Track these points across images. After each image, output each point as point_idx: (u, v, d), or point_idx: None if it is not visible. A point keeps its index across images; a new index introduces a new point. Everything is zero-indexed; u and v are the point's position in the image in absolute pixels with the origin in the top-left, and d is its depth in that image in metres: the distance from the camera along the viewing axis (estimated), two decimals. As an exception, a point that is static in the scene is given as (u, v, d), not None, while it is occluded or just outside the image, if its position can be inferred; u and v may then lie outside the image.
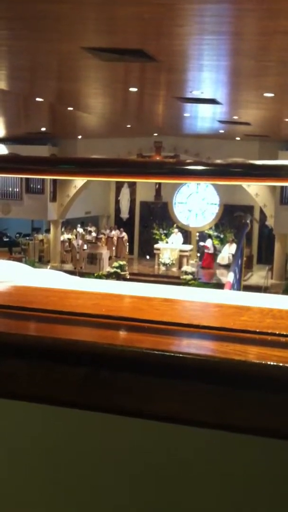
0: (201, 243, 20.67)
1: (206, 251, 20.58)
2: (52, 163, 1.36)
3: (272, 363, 0.87)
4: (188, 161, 1.19)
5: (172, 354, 0.91)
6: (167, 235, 22.11)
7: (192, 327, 1.04)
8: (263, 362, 0.87)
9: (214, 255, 20.97)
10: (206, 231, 22.29)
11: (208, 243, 20.95)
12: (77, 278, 2.08)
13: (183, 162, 1.20)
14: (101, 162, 1.29)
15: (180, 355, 0.91)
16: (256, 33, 6.48)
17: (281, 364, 0.86)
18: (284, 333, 1.00)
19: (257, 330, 1.01)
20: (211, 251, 20.77)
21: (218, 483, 0.94)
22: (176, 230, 21.58)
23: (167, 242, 21.36)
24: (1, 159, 1.55)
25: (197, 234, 21.56)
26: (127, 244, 22.21)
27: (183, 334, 1.02)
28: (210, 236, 21.48)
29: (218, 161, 1.16)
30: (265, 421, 0.88)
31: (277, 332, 1.00)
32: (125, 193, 23.36)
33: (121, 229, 22.27)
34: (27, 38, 7.17)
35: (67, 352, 0.96)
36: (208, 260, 20.47)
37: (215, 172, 1.19)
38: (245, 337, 0.99)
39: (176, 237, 21.21)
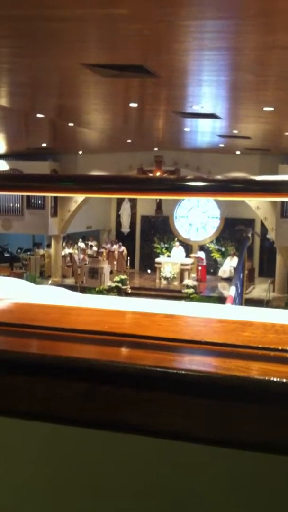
0: (193, 255, 20.57)
1: (200, 263, 20.47)
2: (53, 181, 1.37)
3: (275, 379, 0.86)
4: (188, 177, 1.19)
5: (175, 371, 0.91)
6: (168, 249, 22.12)
7: (195, 343, 1.04)
8: (266, 378, 0.87)
9: (207, 266, 20.91)
10: (207, 245, 22.30)
11: (201, 255, 20.89)
12: (78, 294, 2.08)
13: (183, 178, 1.20)
14: (102, 179, 1.29)
15: (183, 372, 0.91)
16: (255, 48, 6.54)
17: (284, 380, 0.86)
18: (287, 349, 0.99)
19: (260, 346, 1.01)
20: (204, 263, 20.68)
21: (222, 500, 0.93)
22: (177, 243, 21.60)
23: (168, 256, 21.36)
24: (1, 177, 1.56)
25: (198, 247, 21.56)
26: (128, 258, 22.22)
27: (185, 351, 1.02)
28: (202, 248, 21.42)
29: (219, 177, 1.17)
30: (269, 437, 0.87)
31: (280, 348, 1.00)
32: (126, 207, 23.43)
33: (120, 243, 22.30)
34: (28, 55, 7.24)
35: (69, 369, 0.96)
36: (202, 272, 20.35)
37: (215, 188, 1.19)
38: (247, 353, 0.99)
39: (178, 250, 21.22)
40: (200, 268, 20.17)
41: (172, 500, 0.94)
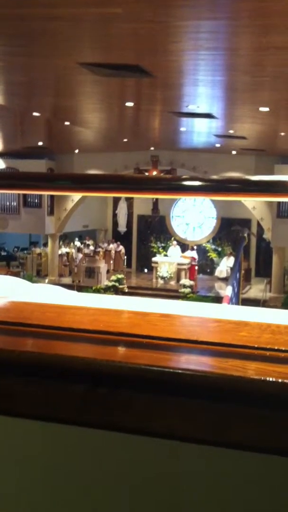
0: (183, 254, 20.46)
1: (193, 263, 20.40)
2: (49, 179, 1.37)
3: (271, 379, 0.87)
4: (184, 177, 1.19)
5: (171, 370, 0.91)
6: (164, 249, 22.12)
7: (191, 343, 1.04)
8: (262, 378, 0.87)
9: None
10: (203, 244, 22.32)
11: (193, 254, 20.84)
12: (75, 293, 2.08)
13: (179, 178, 1.20)
14: (98, 178, 1.29)
15: (179, 371, 0.91)
16: (251, 49, 6.56)
17: (280, 380, 0.86)
18: (283, 349, 1.00)
19: (256, 346, 1.01)
20: (195, 262, 20.64)
21: (217, 500, 0.93)
22: (174, 242, 21.60)
23: (165, 255, 21.36)
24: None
25: (195, 247, 21.58)
26: (125, 257, 22.21)
27: (181, 350, 1.02)
28: (193, 248, 21.37)
29: (215, 177, 1.17)
30: (265, 437, 0.87)
31: (276, 348, 1.00)
32: (122, 207, 23.42)
33: (118, 242, 22.29)
34: (24, 54, 7.23)
35: (65, 368, 0.96)
36: (192, 271, 20.26)
37: (211, 188, 1.19)
38: (244, 352, 0.99)
39: (175, 250, 21.21)
40: (190, 267, 20.16)
41: (170, 500, 0.95)
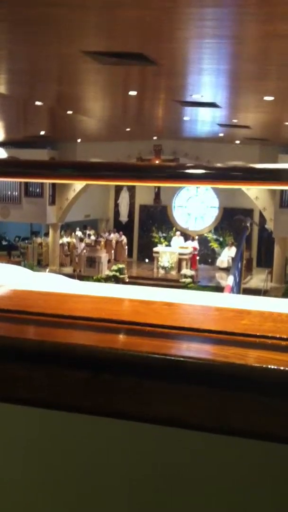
0: (183, 245, 20.47)
1: (194, 253, 20.44)
2: (52, 167, 1.36)
3: (272, 367, 0.87)
4: (188, 165, 1.19)
5: (173, 358, 0.91)
6: (166, 239, 22.10)
7: (193, 331, 1.04)
8: (264, 366, 0.87)
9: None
10: (205, 234, 22.29)
11: (194, 244, 20.83)
12: (76, 281, 2.08)
13: (183, 166, 1.20)
14: (101, 166, 1.29)
15: (181, 359, 0.91)
16: (256, 37, 6.50)
17: (281, 368, 0.86)
18: (285, 337, 1.00)
19: (258, 334, 1.01)
20: (196, 252, 20.63)
21: (219, 487, 0.93)
22: (178, 233, 21.55)
23: (166, 245, 21.33)
24: (0, 163, 1.55)
25: (197, 237, 21.55)
26: (126, 247, 22.20)
27: (183, 338, 1.02)
28: (194, 238, 21.34)
29: (219, 165, 1.16)
30: (266, 425, 0.87)
31: (278, 336, 1.00)
32: (124, 196, 23.37)
33: (120, 232, 22.27)
34: (27, 42, 7.18)
35: (67, 356, 0.96)
36: (193, 261, 20.30)
37: (215, 175, 1.19)
38: (245, 340, 0.99)
39: (178, 240, 21.18)
40: (191, 257, 20.19)
41: (171, 487, 0.95)
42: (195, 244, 20.76)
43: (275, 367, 0.86)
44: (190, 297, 1.69)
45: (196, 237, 21.44)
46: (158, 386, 0.92)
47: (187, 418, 0.91)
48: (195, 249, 20.50)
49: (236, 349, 0.94)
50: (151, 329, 1.04)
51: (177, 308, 1.28)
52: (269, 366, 0.87)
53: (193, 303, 1.36)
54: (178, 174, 1.21)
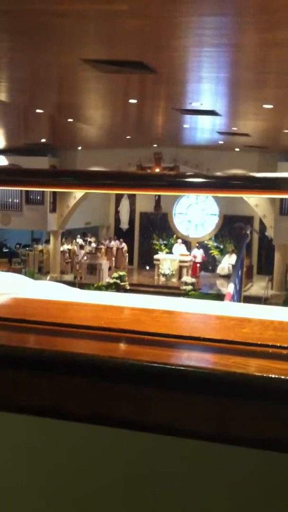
0: (182, 254, 20.56)
1: (194, 260, 20.52)
2: (52, 176, 1.37)
3: (273, 376, 0.86)
4: (187, 173, 1.19)
5: (173, 367, 0.91)
6: (166, 246, 22.11)
7: (193, 340, 1.03)
8: (265, 375, 0.87)
9: (201, 264, 20.92)
10: (206, 242, 22.30)
11: (196, 252, 20.87)
12: (76, 290, 2.08)
13: (182, 174, 1.20)
14: (101, 174, 1.29)
15: (181, 368, 0.91)
16: (255, 45, 6.53)
17: (282, 377, 0.86)
18: (286, 346, 0.99)
19: (258, 343, 1.01)
20: (198, 260, 20.66)
21: (219, 496, 0.93)
22: (179, 240, 21.56)
23: (167, 252, 21.33)
24: (1, 171, 1.55)
25: (197, 244, 21.56)
26: (127, 254, 22.21)
27: (183, 347, 1.02)
28: (199, 247, 21.38)
29: (218, 174, 1.17)
30: (267, 434, 0.87)
31: (279, 345, 1.00)
32: (124, 204, 23.40)
33: (121, 239, 22.28)
34: (28, 50, 7.22)
35: (67, 364, 0.96)
36: (193, 269, 20.37)
37: (215, 184, 1.19)
38: (246, 349, 0.99)
39: (180, 248, 21.18)
40: (192, 264, 20.25)
41: (170, 495, 0.95)
42: (201, 252, 20.78)
43: (276, 376, 0.86)
44: (190, 305, 1.69)
45: (197, 245, 21.45)
46: (158, 395, 0.91)
47: (187, 427, 0.91)
48: (194, 256, 20.56)
49: (237, 358, 0.94)
50: (151, 337, 1.04)
51: (177, 316, 1.27)
52: (270, 375, 0.86)
53: (193, 311, 1.36)
54: (177, 183, 1.21)
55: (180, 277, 19.58)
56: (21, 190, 20.02)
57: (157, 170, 18.91)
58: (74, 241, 22.32)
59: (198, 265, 20.45)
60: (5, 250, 22.62)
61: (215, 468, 0.92)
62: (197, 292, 18.10)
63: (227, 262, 20.54)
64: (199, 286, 19.03)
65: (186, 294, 17.65)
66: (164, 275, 19.79)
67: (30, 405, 0.98)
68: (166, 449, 0.94)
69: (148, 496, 0.96)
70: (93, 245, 21.93)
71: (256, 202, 18.74)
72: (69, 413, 0.96)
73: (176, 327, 1.18)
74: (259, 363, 0.92)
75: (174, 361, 0.94)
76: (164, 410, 0.91)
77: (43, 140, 17.49)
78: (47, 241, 21.94)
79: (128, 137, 16.49)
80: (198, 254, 20.76)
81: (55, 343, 1.04)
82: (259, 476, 0.90)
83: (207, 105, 10.48)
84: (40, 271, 21.04)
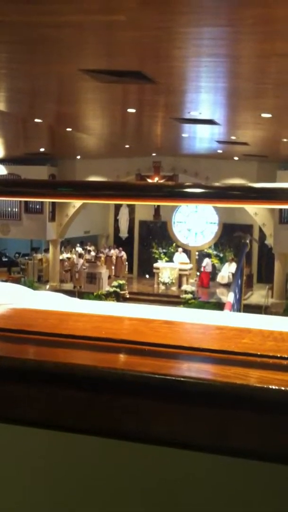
0: (203, 262, 20.69)
1: (205, 270, 20.58)
2: (51, 187, 1.37)
3: (273, 387, 0.86)
4: (186, 184, 1.19)
5: (173, 378, 0.91)
6: (166, 254, 22.11)
7: (193, 350, 1.03)
8: (265, 386, 0.87)
9: (211, 273, 20.98)
10: (205, 250, 22.31)
11: (205, 262, 20.96)
12: (76, 300, 2.08)
13: (181, 185, 1.20)
14: (100, 185, 1.30)
15: (181, 379, 0.90)
16: (253, 56, 6.57)
17: (283, 388, 0.86)
18: (286, 356, 0.99)
19: (259, 353, 1.01)
20: (209, 269, 20.72)
21: (221, 507, 0.92)
22: (180, 249, 21.57)
23: (166, 261, 21.33)
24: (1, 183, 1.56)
25: (197, 253, 21.55)
26: (126, 263, 22.21)
27: (183, 357, 1.02)
28: (209, 255, 21.48)
29: (217, 184, 1.17)
30: (268, 445, 0.87)
31: (279, 355, 1.00)
32: (124, 212, 23.43)
33: (120, 248, 22.29)
34: (27, 61, 7.26)
35: (67, 376, 0.96)
36: (204, 278, 20.42)
37: (213, 195, 1.19)
38: (246, 360, 0.99)
39: (180, 256, 21.18)
40: (201, 275, 20.31)
41: (171, 507, 0.94)
42: (205, 262, 20.86)
43: (277, 387, 0.86)
44: (190, 316, 1.69)
45: (196, 253, 21.46)
46: (158, 406, 0.91)
47: (187, 438, 0.90)
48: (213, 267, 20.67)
49: (237, 368, 0.94)
50: (151, 348, 1.04)
51: (177, 326, 1.27)
52: (271, 386, 0.86)
53: (193, 321, 1.36)
54: (176, 193, 1.22)
55: (180, 285, 19.57)
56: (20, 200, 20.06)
57: (156, 179, 18.97)
58: (73, 250, 22.33)
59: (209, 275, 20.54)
60: (4, 259, 22.62)
61: (215, 479, 0.92)
62: (196, 301, 18.08)
63: (227, 271, 20.54)
64: (198, 295, 19.00)
65: (186, 303, 17.62)
66: (163, 283, 19.77)
67: (30, 417, 0.98)
68: (166, 460, 0.93)
69: (147, 507, 0.96)
70: (93, 253, 21.93)
71: (256, 211, 18.77)
72: (70, 425, 0.96)
73: (176, 338, 1.17)
74: (259, 374, 0.92)
75: (174, 372, 0.93)
76: (164, 421, 0.91)
77: (42, 150, 17.54)
78: (46, 250, 21.95)
79: (127, 146, 16.54)
80: (209, 263, 20.83)
81: (55, 355, 1.03)
82: (260, 487, 0.90)
83: (206, 115, 10.53)
84: (39, 280, 21.02)
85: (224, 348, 1.03)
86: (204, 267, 20.80)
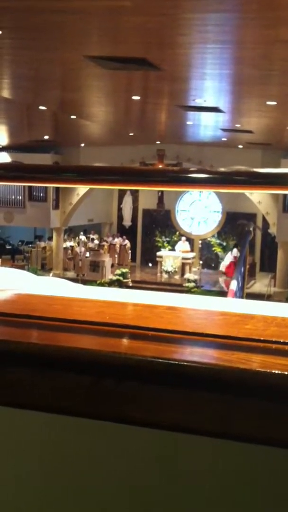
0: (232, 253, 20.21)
1: (234, 259, 20.07)
2: (55, 172, 1.37)
3: (276, 372, 0.87)
4: (191, 169, 1.19)
5: (176, 362, 0.91)
6: (169, 243, 22.09)
7: (196, 335, 1.04)
8: (267, 371, 0.87)
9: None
10: (208, 239, 22.28)
11: (235, 251, 20.62)
12: (80, 285, 2.08)
13: (186, 170, 1.20)
14: (105, 170, 1.29)
15: (184, 363, 0.91)
16: (258, 42, 6.51)
17: (285, 373, 0.86)
18: (288, 342, 0.99)
19: (261, 339, 1.01)
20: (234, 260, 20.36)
21: (224, 492, 0.93)
22: (183, 238, 21.51)
23: (170, 249, 21.30)
24: (4, 167, 1.55)
25: (200, 242, 21.53)
26: (130, 251, 22.21)
27: (187, 342, 1.02)
28: (236, 245, 20.97)
29: (222, 169, 1.17)
30: (269, 430, 0.87)
31: (282, 341, 1.00)
32: (127, 200, 23.39)
33: (124, 236, 22.28)
34: (31, 47, 7.22)
35: (71, 360, 0.96)
36: (232, 268, 20.08)
37: (218, 180, 1.19)
38: (249, 345, 0.99)
39: (184, 245, 21.14)
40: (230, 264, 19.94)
41: (174, 492, 0.95)
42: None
43: (279, 372, 0.86)
44: (193, 302, 1.69)
45: (200, 242, 21.41)
46: (161, 391, 0.92)
47: (190, 423, 0.91)
48: (235, 258, 20.21)
49: (239, 353, 0.94)
50: (154, 333, 1.04)
51: (181, 312, 1.28)
52: (273, 371, 0.87)
53: (196, 307, 1.36)
54: (180, 178, 1.21)
55: (183, 274, 19.57)
56: (24, 187, 20.04)
57: (160, 167, 18.90)
58: (77, 238, 22.33)
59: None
60: (8, 247, 22.65)
61: (218, 464, 0.93)
62: (199, 289, 18.10)
63: (229, 259, 20.50)
64: (201, 283, 18.93)
65: (188, 291, 17.65)
66: (167, 272, 19.79)
67: (33, 401, 0.98)
68: (170, 445, 0.94)
69: (152, 492, 0.97)
70: (96, 242, 21.93)
71: (259, 199, 18.70)
72: (73, 409, 0.97)
73: (180, 323, 1.18)
74: (262, 359, 0.92)
75: (177, 357, 0.94)
76: (167, 405, 0.91)
77: (46, 137, 17.48)
78: (50, 238, 21.96)
79: (131, 134, 16.47)
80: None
81: (59, 339, 1.04)
82: (263, 472, 0.91)
83: (211, 102, 10.46)
84: (43, 268, 21.05)
85: (227, 334, 1.04)
86: (235, 257, 20.41)
